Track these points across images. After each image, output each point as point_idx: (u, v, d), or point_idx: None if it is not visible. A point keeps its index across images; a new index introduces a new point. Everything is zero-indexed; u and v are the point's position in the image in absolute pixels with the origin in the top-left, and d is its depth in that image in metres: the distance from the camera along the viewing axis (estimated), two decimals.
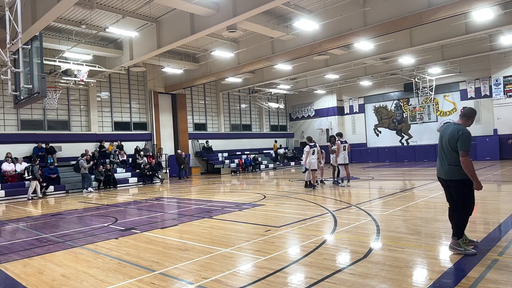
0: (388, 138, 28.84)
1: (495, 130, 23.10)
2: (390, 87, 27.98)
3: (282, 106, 31.39)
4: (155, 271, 4.69)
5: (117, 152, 20.59)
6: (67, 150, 19.38)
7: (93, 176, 17.60)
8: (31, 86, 8.46)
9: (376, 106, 29.56)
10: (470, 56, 20.44)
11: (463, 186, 4.71)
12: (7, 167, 16.11)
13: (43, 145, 17.97)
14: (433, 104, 26.09)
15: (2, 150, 16.87)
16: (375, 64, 22.74)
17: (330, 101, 31.12)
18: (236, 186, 16.53)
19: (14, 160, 16.59)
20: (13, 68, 8.77)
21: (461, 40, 17.58)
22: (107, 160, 19.58)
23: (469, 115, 4.88)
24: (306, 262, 4.77)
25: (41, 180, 15.68)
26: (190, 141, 25.62)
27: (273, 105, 30.27)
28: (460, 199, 4.77)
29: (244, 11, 11.80)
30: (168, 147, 24.17)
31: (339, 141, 13.24)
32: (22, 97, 9.26)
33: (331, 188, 12.87)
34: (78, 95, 20.59)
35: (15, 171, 16.26)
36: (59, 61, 16.83)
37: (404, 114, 28.03)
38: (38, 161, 15.97)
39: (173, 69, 20.71)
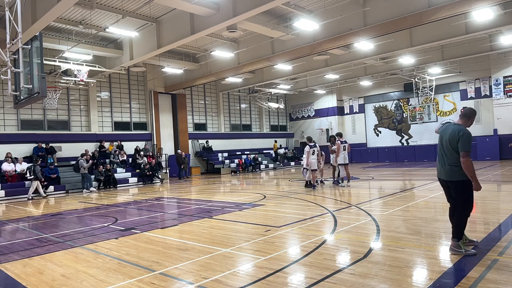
0: (388, 138, 28.84)
1: (495, 130, 23.10)
2: (390, 87, 27.98)
3: (282, 106, 31.39)
4: (155, 271, 4.69)
5: (117, 152, 20.59)
6: (67, 150, 19.38)
7: (93, 176, 17.61)
8: (31, 86, 8.46)
9: (376, 106, 29.56)
10: (470, 56, 20.44)
11: (463, 187, 4.70)
12: (7, 167, 16.11)
13: (43, 145, 17.97)
14: (433, 104, 26.08)
15: (2, 150, 16.87)
16: (375, 64, 22.74)
17: (330, 101, 31.12)
18: (236, 186, 16.53)
19: (14, 160, 16.59)
20: (13, 68, 8.77)
21: (461, 40, 17.58)
22: (107, 160, 19.58)
23: (469, 115, 4.87)
24: (306, 262, 4.77)
25: (42, 180, 15.68)
26: (190, 141, 25.62)
27: (273, 105, 30.27)
28: (460, 200, 4.77)
29: (244, 11, 11.80)
30: (168, 147, 24.17)
31: (339, 141, 13.24)
32: (22, 97, 9.26)
33: (331, 188, 12.87)
34: (78, 95, 20.59)
35: (15, 171, 16.26)
36: (59, 61, 16.83)
37: (404, 114, 28.03)
38: (40, 161, 15.98)
39: (173, 69, 20.71)
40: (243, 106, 30.58)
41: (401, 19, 13.51)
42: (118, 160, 20.18)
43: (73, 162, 18.00)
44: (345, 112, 31.08)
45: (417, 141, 27.22)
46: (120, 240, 6.59)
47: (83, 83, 18.17)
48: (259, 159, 27.72)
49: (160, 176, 20.62)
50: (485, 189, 10.62)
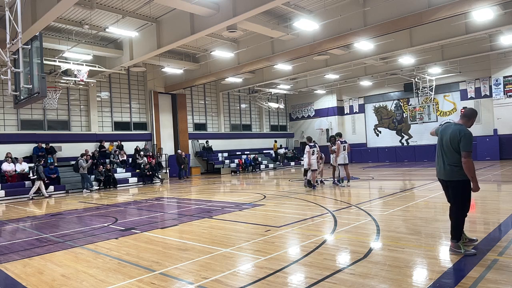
0: (388, 138, 28.84)
1: (495, 130, 23.10)
2: (390, 87, 27.98)
3: (282, 106, 31.39)
4: (155, 271, 4.69)
5: (117, 152, 20.59)
6: (67, 150, 19.38)
7: (93, 176, 17.61)
8: (31, 86, 8.46)
9: (376, 106, 29.56)
10: (470, 56, 20.44)
11: (463, 187, 4.70)
12: (7, 167, 16.11)
13: (43, 145, 17.97)
14: (433, 104, 26.08)
15: (2, 150, 16.87)
16: (375, 64, 22.74)
17: (330, 101, 31.11)
18: (236, 186, 16.53)
19: (14, 160, 16.59)
20: (13, 68, 8.77)
21: (461, 40, 17.58)
22: (107, 160, 19.59)
23: (470, 116, 4.85)
24: (306, 262, 4.77)
25: (45, 179, 15.68)
26: (190, 141, 25.62)
27: (273, 105, 30.27)
28: (460, 200, 4.76)
29: (244, 11, 11.80)
30: (168, 147, 24.17)
31: (339, 141, 13.24)
32: (22, 97, 9.26)
33: (331, 188, 12.87)
34: (78, 95, 20.59)
35: (15, 171, 16.26)
36: (59, 61, 16.84)
37: (404, 114, 28.03)
38: (42, 161, 16.00)
39: (173, 69, 20.71)
40: (243, 106, 30.58)
41: (401, 19, 13.50)
42: (118, 160, 20.18)
43: (73, 162, 17.99)
44: (345, 112, 31.08)
45: (417, 141, 27.22)
46: (120, 240, 6.59)
47: (83, 83, 18.18)
48: (259, 159, 27.72)
49: (160, 176, 20.62)
50: (485, 189, 10.65)
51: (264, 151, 30.17)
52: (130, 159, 20.95)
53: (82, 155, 17.45)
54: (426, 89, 25.34)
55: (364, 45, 16.93)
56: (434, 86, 25.14)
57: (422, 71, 23.83)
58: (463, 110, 5.23)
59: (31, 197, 14.97)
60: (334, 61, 20.39)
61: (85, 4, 12.54)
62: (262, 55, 18.47)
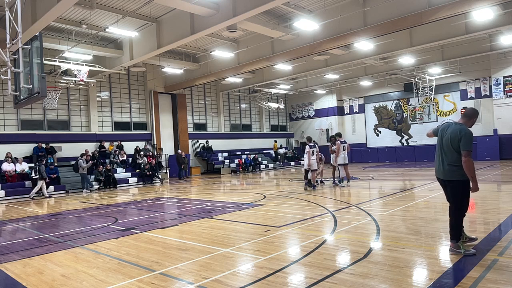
0: (388, 138, 28.84)
1: (495, 130, 23.10)
2: (390, 87, 27.98)
3: (282, 106, 31.38)
4: (155, 271, 4.69)
5: (117, 152, 20.59)
6: (67, 150, 19.38)
7: (93, 176, 17.61)
8: (31, 86, 8.46)
9: (376, 106, 29.55)
10: (470, 56, 20.44)
11: (462, 187, 4.70)
12: (7, 167, 16.11)
13: (43, 145, 17.97)
14: (433, 104, 26.08)
15: (2, 150, 16.87)
16: (375, 64, 22.74)
17: (330, 101, 31.11)
18: (236, 186, 16.53)
19: (14, 160, 16.60)
20: (13, 68, 8.77)
21: (461, 40, 17.58)
22: (107, 160, 19.59)
23: (470, 116, 4.84)
24: (306, 262, 4.77)
25: (47, 179, 15.67)
26: (190, 141, 25.62)
27: (273, 105, 30.27)
28: (458, 200, 4.76)
29: (244, 11, 11.80)
30: (168, 147, 24.17)
31: (339, 141, 13.25)
32: (22, 97, 9.26)
33: (331, 188, 12.87)
34: (78, 95, 20.59)
35: (15, 171, 16.26)
36: (59, 61, 16.83)
37: (404, 114, 28.03)
38: (44, 161, 16.00)
39: (173, 69, 20.71)
40: (243, 106, 30.58)
41: (401, 19, 13.50)
42: (118, 160, 20.18)
43: (73, 162, 17.99)
44: (345, 112, 31.08)
45: (417, 141, 27.22)
46: (120, 240, 6.59)
47: (83, 83, 18.17)
48: (259, 159, 27.72)
49: (160, 176, 20.61)
50: (485, 189, 10.65)
51: (264, 151, 30.17)
52: (130, 159, 20.95)
53: (82, 155, 17.45)
54: (426, 89, 25.34)
55: (364, 45, 16.93)
56: (434, 86, 25.14)
57: (422, 71, 23.83)
58: (463, 110, 5.22)
59: (32, 197, 14.97)
60: (334, 61, 20.39)
61: (85, 4, 12.54)
62: (262, 55, 18.47)
